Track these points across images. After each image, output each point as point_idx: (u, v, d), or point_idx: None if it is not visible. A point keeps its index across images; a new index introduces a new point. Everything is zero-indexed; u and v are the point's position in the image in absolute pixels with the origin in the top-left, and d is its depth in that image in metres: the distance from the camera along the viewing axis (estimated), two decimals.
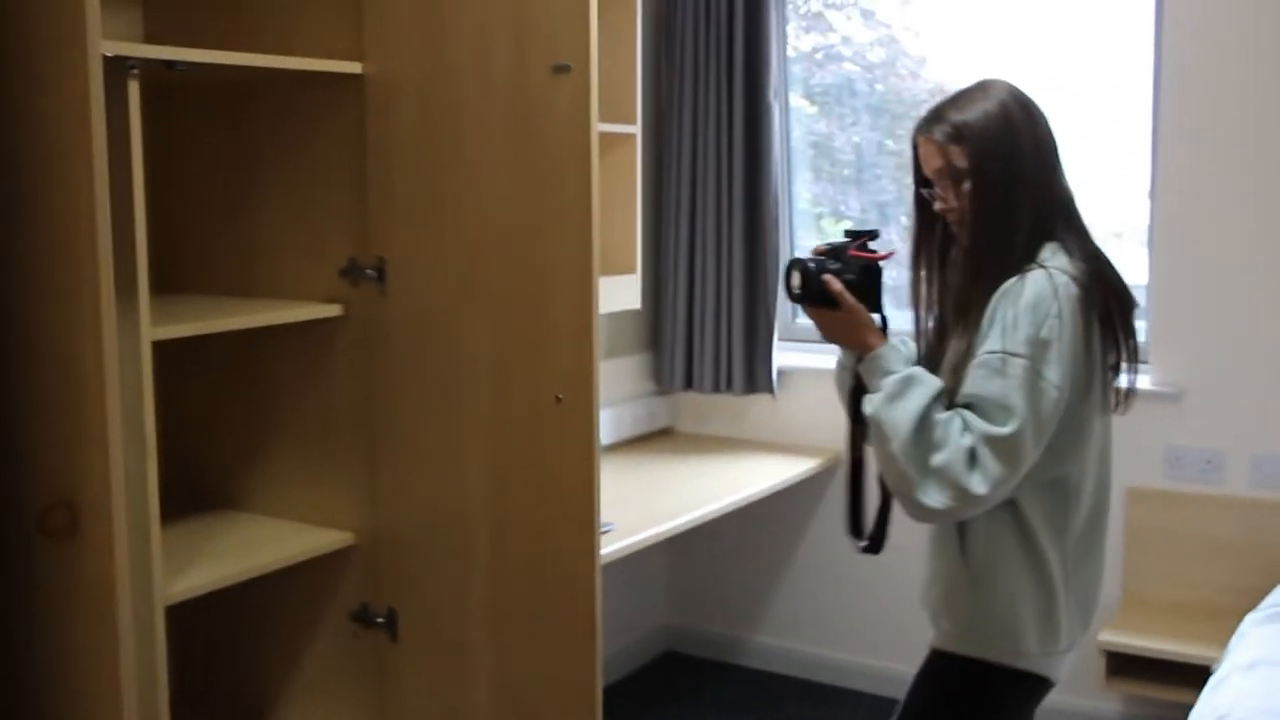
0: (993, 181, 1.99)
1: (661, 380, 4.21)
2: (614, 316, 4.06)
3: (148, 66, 2.10)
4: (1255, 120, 3.42)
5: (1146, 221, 3.63)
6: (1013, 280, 1.95)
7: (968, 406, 1.93)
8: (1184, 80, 3.51)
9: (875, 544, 2.19)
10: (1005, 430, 1.88)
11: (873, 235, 2.09)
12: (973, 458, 1.89)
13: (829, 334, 2.10)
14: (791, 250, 4.25)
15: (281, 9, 2.59)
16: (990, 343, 1.92)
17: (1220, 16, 3.44)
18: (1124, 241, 3.80)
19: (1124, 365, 2.04)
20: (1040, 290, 1.91)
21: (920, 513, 1.94)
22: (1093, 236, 2.07)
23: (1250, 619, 2.99)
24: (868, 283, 2.07)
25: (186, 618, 2.87)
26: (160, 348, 2.79)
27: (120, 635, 2.05)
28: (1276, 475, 3.46)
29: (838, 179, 4.30)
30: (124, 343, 2.09)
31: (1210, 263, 3.51)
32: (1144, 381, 3.61)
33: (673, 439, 4.23)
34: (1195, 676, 2.90)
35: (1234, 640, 2.92)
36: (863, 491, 2.21)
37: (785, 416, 4.17)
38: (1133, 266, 3.69)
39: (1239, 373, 3.50)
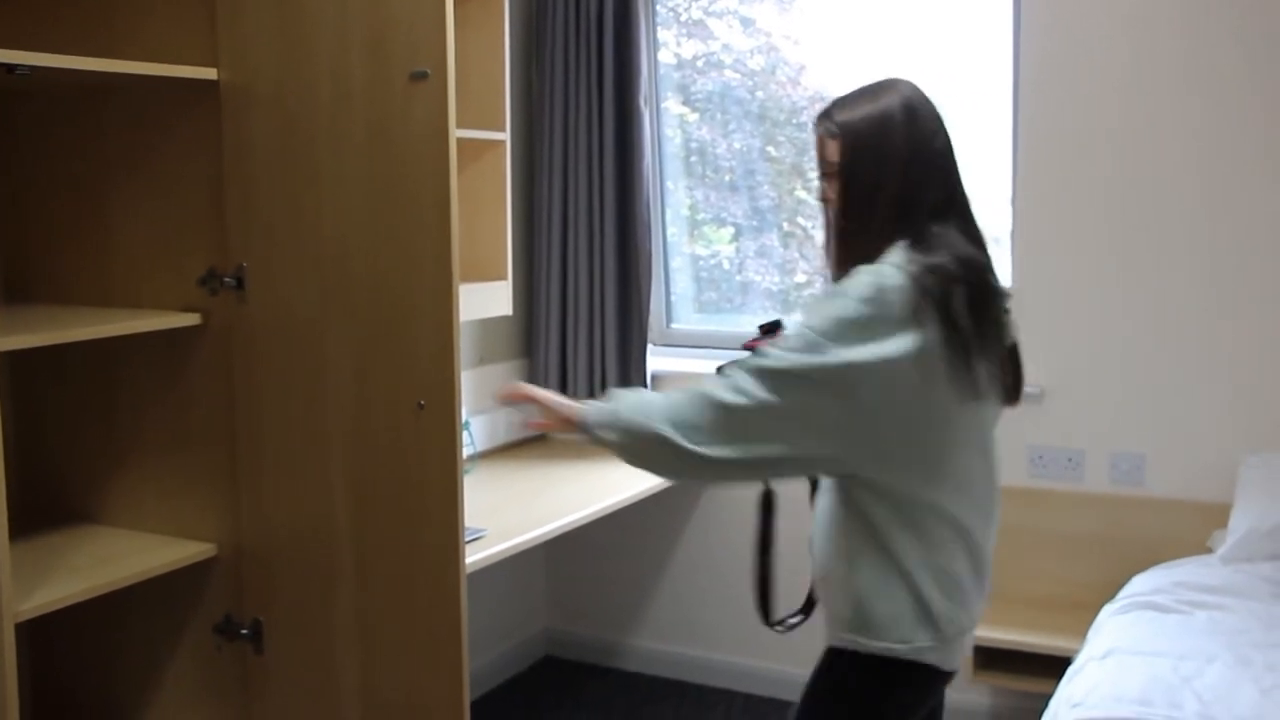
0: (857, 181, 2.02)
1: (536, 386, 4.19)
2: (486, 323, 4.05)
3: None
4: (1112, 128, 3.54)
5: (1008, 227, 3.72)
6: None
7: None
8: (1041, 88, 3.61)
9: (808, 611, 2.26)
10: (769, 363, 1.91)
11: (777, 325, 2.19)
12: (726, 382, 1.94)
13: None
14: (665, 256, 4.28)
15: (133, 13, 2.54)
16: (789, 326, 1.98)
17: (1075, 25, 3.55)
18: (1002, 246, 3.87)
19: (984, 355, 1.97)
20: (859, 280, 1.93)
21: (692, 461, 1.95)
22: (972, 238, 2.03)
23: (1107, 610, 3.08)
24: None
25: (44, 632, 2.82)
26: (14, 359, 2.74)
27: None
28: (1133, 472, 3.58)
29: (720, 185, 4.35)
30: None
31: (1069, 267, 3.62)
32: None
33: (548, 444, 4.23)
34: (1058, 667, 2.97)
35: (1091, 631, 3.01)
36: (771, 576, 2.27)
37: None
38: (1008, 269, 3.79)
39: (1098, 374, 3.61)
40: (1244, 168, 3.41)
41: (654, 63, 4.18)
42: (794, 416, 1.91)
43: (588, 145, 4.03)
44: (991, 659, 3.48)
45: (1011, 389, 2.12)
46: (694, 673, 4.22)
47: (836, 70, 4.15)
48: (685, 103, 4.35)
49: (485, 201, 3.49)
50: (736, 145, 4.30)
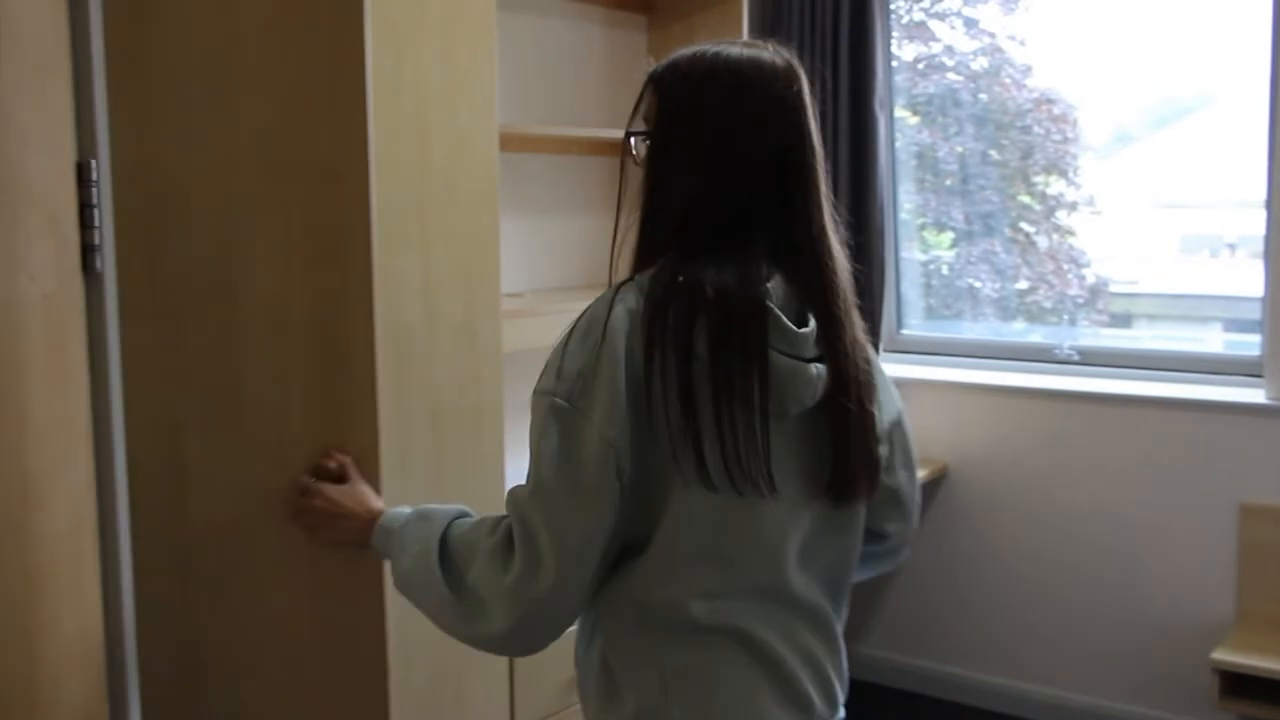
0: (658, 157, 1.52)
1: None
2: None
3: None
4: None
5: (1263, 231, 3.56)
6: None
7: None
8: None
9: None
10: (527, 491, 1.43)
11: None
12: (507, 547, 1.43)
13: None
14: (897, 260, 4.23)
15: None
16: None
17: None
18: (1236, 253, 3.75)
19: (742, 419, 1.41)
20: (593, 312, 1.44)
21: (503, 645, 1.48)
22: (790, 273, 1.51)
23: None
24: None
25: None
26: None
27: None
28: None
29: (941, 189, 4.29)
30: None
31: None
32: (1258, 395, 3.57)
33: None
34: None
35: None
36: None
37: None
38: (1244, 277, 3.64)
39: None
40: None
41: (888, 66, 4.14)
42: (572, 528, 1.43)
43: (821, 149, 4.00)
44: (1237, 684, 3.34)
45: (834, 480, 1.50)
46: (922, 684, 4.15)
47: (1065, 70, 4.05)
48: (906, 106, 4.31)
49: None
50: (959, 149, 4.24)
